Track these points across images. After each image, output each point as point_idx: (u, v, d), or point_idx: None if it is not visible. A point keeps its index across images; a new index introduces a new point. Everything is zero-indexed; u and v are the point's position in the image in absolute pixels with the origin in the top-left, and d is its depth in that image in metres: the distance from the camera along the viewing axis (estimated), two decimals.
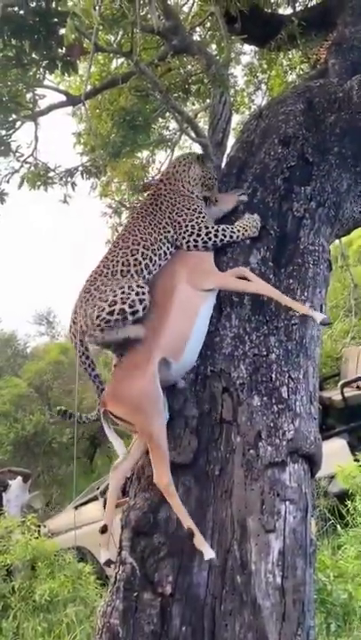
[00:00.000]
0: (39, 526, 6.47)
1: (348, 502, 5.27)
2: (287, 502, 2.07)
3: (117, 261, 2.45)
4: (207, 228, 2.57)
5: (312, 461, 2.26)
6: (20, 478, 8.42)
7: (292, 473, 2.15)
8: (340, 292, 10.25)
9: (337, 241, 5.45)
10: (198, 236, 2.55)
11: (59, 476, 11.96)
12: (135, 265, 2.44)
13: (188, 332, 2.34)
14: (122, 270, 2.41)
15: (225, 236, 2.58)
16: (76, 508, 7.48)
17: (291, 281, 2.60)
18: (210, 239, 2.56)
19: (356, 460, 5.46)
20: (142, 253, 2.47)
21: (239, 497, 2.08)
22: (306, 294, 2.59)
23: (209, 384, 2.32)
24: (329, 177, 2.92)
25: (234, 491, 2.10)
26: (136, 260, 2.45)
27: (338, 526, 5.45)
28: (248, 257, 2.67)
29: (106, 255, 2.52)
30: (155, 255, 2.50)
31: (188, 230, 2.56)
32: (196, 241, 2.55)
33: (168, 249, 2.58)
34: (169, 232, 2.58)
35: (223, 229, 2.58)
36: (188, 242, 2.55)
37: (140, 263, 2.45)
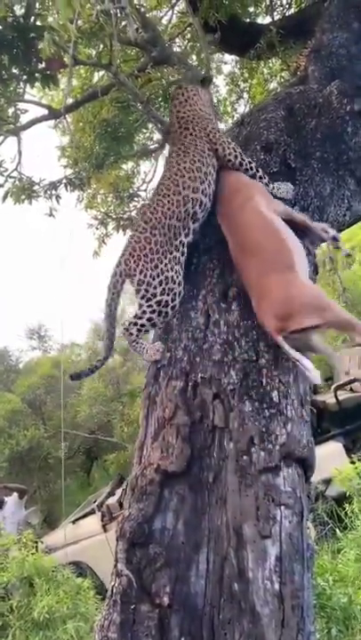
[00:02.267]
0: (36, 542, 6.40)
1: (347, 505, 5.27)
2: (282, 507, 2.06)
3: (169, 212, 2.52)
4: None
5: (306, 465, 2.25)
6: (15, 495, 8.35)
7: (287, 477, 2.14)
8: (330, 296, 10.30)
9: (324, 245, 5.50)
10: (243, 160, 2.75)
11: (55, 491, 11.87)
12: (186, 218, 2.56)
13: (300, 244, 2.52)
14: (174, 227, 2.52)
15: (258, 171, 2.75)
16: (74, 522, 7.42)
17: None
18: (252, 167, 2.76)
19: (353, 463, 5.46)
20: (192, 200, 2.57)
21: (234, 504, 2.07)
22: None
23: (199, 391, 2.32)
24: (312, 181, 2.95)
25: (228, 498, 2.08)
26: (187, 211, 2.56)
27: (337, 530, 5.44)
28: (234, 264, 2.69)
29: (158, 197, 2.58)
30: (204, 196, 2.62)
31: (232, 153, 2.74)
32: (241, 164, 2.75)
33: (213, 178, 2.69)
34: (212, 160, 2.71)
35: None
36: (241, 163, 2.75)
37: (190, 214, 2.57)
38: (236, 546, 2.01)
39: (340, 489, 5.47)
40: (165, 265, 2.47)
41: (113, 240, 4.80)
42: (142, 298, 2.47)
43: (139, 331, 2.48)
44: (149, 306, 2.45)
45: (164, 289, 2.45)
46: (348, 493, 5.26)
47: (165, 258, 2.48)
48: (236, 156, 2.73)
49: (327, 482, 5.81)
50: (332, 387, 7.20)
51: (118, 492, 7.58)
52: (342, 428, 6.75)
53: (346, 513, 5.28)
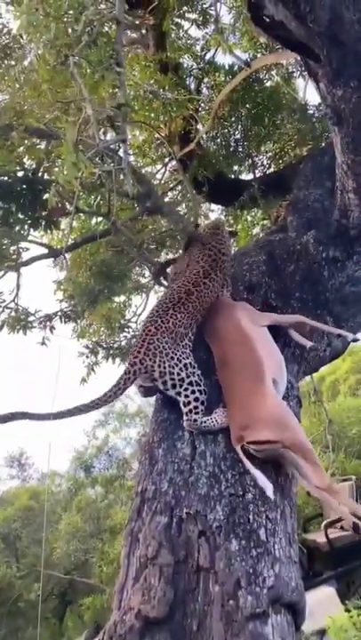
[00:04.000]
0: None
1: None
2: None
3: (178, 320, 2.82)
4: None
5: (295, 611, 2.14)
6: None
7: (275, 626, 2.01)
8: (316, 428, 10.25)
9: (308, 378, 5.64)
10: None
11: None
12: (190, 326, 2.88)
13: (279, 355, 2.72)
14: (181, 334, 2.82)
15: None
16: None
17: None
18: None
19: (348, 611, 5.05)
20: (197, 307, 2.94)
21: None
22: None
23: (185, 528, 2.26)
24: None
25: None
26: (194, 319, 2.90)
27: None
28: (220, 393, 2.76)
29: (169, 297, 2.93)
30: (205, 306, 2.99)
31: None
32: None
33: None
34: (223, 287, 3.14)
35: None
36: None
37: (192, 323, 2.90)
38: None
39: None
40: (180, 355, 2.72)
41: (101, 369, 4.91)
42: (173, 387, 2.66)
43: (197, 413, 2.59)
44: (185, 389, 2.64)
45: (187, 373, 2.67)
46: None
47: (178, 351, 2.73)
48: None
49: (321, 633, 5.30)
50: (323, 524, 6.86)
51: None
52: (335, 571, 6.32)
53: None
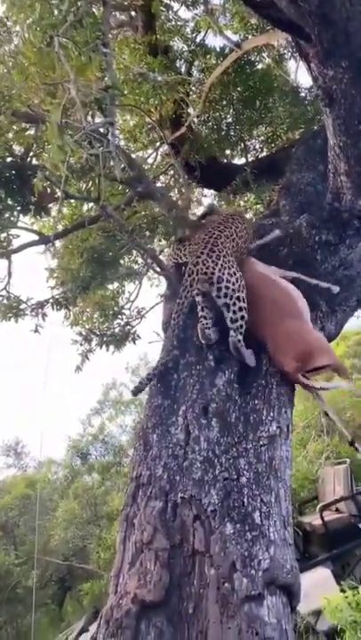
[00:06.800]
0: None
1: None
2: None
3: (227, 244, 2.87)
4: None
5: (290, 592, 2.15)
6: None
7: (271, 607, 2.03)
8: (310, 412, 10.31)
9: None
10: None
11: (24, 627, 10.72)
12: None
13: (299, 294, 2.94)
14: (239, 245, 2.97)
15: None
16: None
17: (256, 402, 2.67)
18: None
19: (343, 591, 5.10)
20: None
21: (216, 638, 1.93)
22: (272, 414, 2.65)
23: (179, 512, 2.26)
24: None
25: (209, 631, 1.96)
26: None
27: None
28: (214, 378, 2.76)
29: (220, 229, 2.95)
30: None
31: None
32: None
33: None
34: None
35: None
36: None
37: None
38: None
39: (332, 622, 5.04)
40: (236, 267, 2.76)
41: (95, 356, 4.89)
42: (225, 296, 2.65)
43: (241, 333, 2.66)
44: (234, 303, 2.66)
45: (239, 287, 2.70)
46: (339, 627, 4.84)
47: (235, 262, 2.77)
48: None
49: (317, 613, 5.37)
50: (318, 507, 6.93)
51: (93, 627, 6.90)
52: (330, 552, 6.40)
53: None
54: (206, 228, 2.98)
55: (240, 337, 2.67)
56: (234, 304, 2.67)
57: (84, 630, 7.25)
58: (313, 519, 7.02)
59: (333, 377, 3.17)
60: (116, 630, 1.99)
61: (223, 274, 2.68)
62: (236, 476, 2.36)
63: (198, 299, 2.78)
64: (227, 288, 2.67)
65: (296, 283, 3.15)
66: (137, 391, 2.84)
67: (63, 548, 12.46)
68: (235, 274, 2.72)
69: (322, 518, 6.54)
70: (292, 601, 2.17)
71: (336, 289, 3.23)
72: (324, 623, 5.26)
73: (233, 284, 2.68)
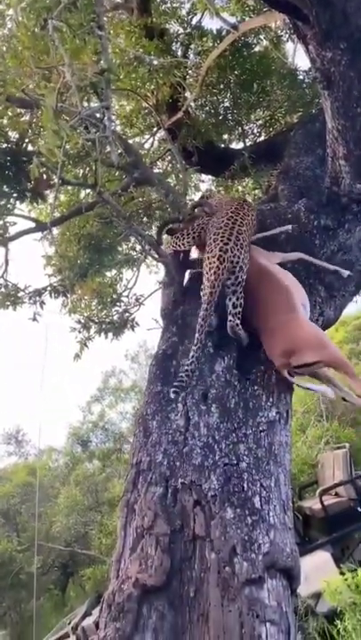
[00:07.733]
0: None
1: (338, 622, 4.88)
2: (268, 624, 1.96)
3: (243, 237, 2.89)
4: None
5: (290, 576, 2.17)
6: None
7: (271, 590, 2.05)
8: (310, 398, 10.35)
9: None
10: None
11: (28, 612, 10.84)
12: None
13: (299, 287, 2.90)
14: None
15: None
16: None
17: (255, 387, 2.68)
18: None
19: (343, 574, 5.16)
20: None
21: (217, 620, 1.96)
22: (271, 400, 2.66)
23: (180, 498, 2.28)
24: None
25: (210, 614, 1.98)
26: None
27: None
28: (213, 364, 2.77)
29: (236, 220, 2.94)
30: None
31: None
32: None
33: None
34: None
35: None
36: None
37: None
38: None
39: (331, 604, 5.11)
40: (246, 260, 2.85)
41: (94, 344, 4.87)
42: (237, 284, 2.77)
43: (239, 318, 2.74)
44: (240, 292, 2.77)
45: (243, 276, 2.80)
46: (338, 609, 4.90)
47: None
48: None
49: (317, 596, 5.44)
50: (317, 491, 6.98)
51: (95, 611, 6.98)
52: (330, 536, 6.46)
53: (338, 631, 4.88)
54: (225, 212, 3.00)
55: (238, 321, 2.74)
56: (240, 292, 2.78)
57: (87, 614, 7.33)
58: (313, 503, 7.08)
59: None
60: (119, 614, 2.01)
61: (244, 265, 2.82)
62: (235, 462, 2.38)
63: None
64: (241, 278, 2.79)
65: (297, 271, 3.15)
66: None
67: (65, 534, 12.57)
68: (247, 264, 2.85)
69: (321, 502, 6.59)
70: (292, 584, 2.20)
71: (346, 273, 3.23)
72: (324, 605, 5.33)
73: (244, 274, 2.81)
